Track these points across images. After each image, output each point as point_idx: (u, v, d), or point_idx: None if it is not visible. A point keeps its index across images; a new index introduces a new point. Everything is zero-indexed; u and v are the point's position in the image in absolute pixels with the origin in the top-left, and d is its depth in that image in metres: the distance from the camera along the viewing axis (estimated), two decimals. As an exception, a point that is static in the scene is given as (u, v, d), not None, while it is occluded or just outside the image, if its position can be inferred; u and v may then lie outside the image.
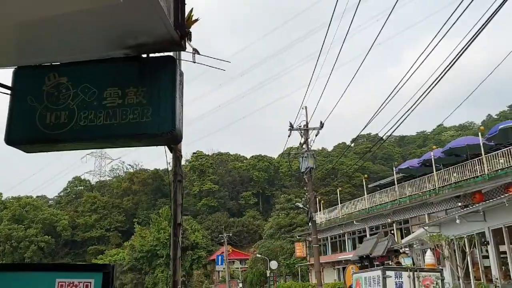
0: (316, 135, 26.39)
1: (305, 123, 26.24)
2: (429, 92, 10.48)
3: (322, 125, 25.92)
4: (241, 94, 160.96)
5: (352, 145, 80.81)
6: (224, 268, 65.07)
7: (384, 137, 20.43)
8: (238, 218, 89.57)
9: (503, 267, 14.20)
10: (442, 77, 9.76)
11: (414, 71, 10.76)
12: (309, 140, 26.62)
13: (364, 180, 38.36)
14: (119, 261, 62.96)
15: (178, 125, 3.25)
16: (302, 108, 26.61)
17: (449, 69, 9.52)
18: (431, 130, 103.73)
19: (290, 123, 26.46)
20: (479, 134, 25.20)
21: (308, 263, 43.99)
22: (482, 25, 7.92)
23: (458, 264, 15.54)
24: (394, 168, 33.29)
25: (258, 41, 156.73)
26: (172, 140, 3.45)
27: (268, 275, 49.84)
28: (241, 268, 73.63)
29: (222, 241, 66.56)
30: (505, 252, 13.95)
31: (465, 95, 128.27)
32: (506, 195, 12.25)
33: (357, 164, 76.43)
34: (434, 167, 27.33)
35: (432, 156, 27.63)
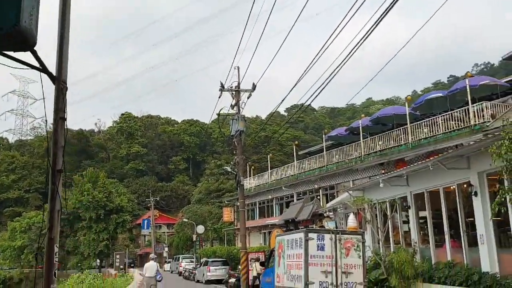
0: (248, 97, 25.62)
1: (236, 84, 25.35)
2: (340, 67, 10.20)
3: (254, 87, 25.11)
4: (176, 55, 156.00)
5: (286, 114, 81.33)
6: (150, 232, 63.94)
7: (305, 105, 20.03)
8: (167, 183, 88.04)
9: (421, 232, 14.47)
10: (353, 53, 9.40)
11: (331, 43, 10.14)
12: (240, 102, 25.82)
13: (294, 147, 38.45)
14: (38, 224, 59.64)
15: (27, 23, 2.74)
16: (234, 68, 25.63)
17: (357, 48, 9.20)
18: (360, 103, 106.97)
19: (221, 83, 25.38)
20: (406, 104, 25.70)
21: (235, 227, 44.00)
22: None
23: (379, 227, 15.68)
24: (323, 136, 33.51)
25: (197, 1, 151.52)
26: (18, 40, 2.92)
27: (194, 239, 49.43)
28: (168, 232, 72.86)
29: (149, 205, 65.24)
30: (424, 217, 14.17)
31: (394, 71, 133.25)
32: (430, 159, 12.24)
33: (289, 132, 77.14)
34: (361, 135, 27.69)
35: (360, 124, 27.94)
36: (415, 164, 13.35)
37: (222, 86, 25.56)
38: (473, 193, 11.35)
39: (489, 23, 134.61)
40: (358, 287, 13.01)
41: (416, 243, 14.23)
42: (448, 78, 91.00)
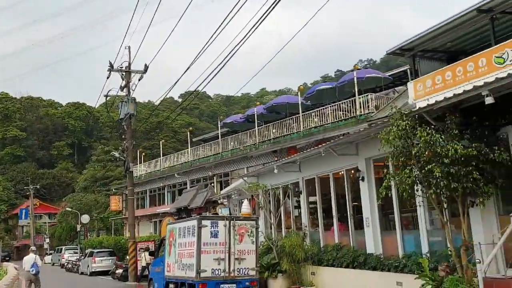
0: (139, 79, 24.37)
1: (127, 64, 23.95)
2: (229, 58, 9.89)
3: (146, 68, 23.97)
4: (62, 33, 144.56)
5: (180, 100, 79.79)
6: (28, 223, 58.98)
7: (198, 90, 19.66)
8: (48, 169, 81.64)
9: (311, 216, 14.87)
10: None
11: (221, 30, 9.87)
12: (131, 84, 24.47)
13: (188, 134, 37.69)
14: None
15: None
16: (125, 48, 24.18)
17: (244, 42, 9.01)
18: (255, 93, 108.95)
19: (110, 63, 23.83)
20: (298, 93, 26.40)
21: (123, 216, 42.14)
22: None
23: (272, 212, 15.82)
24: (219, 122, 33.24)
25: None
26: None
27: (78, 229, 46.48)
28: (49, 223, 67.82)
29: (28, 193, 60.13)
30: (315, 202, 14.56)
31: (287, 63, 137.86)
32: (322, 145, 12.52)
33: (183, 119, 75.80)
34: (256, 123, 27.92)
35: (255, 112, 28.15)
36: (308, 150, 13.60)
37: (111, 65, 24.01)
38: (360, 178, 11.82)
39: (374, 21, 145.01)
40: (251, 273, 12.99)
41: (306, 227, 14.59)
42: (335, 72, 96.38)
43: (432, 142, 8.01)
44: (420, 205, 9.88)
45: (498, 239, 8.14)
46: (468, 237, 8.12)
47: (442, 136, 7.99)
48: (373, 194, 11.57)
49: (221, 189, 29.18)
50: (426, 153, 8.06)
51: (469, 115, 8.55)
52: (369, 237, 11.53)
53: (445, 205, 8.52)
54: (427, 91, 14.97)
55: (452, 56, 16.58)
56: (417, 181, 8.42)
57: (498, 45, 12.85)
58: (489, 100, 7.29)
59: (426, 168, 7.99)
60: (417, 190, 9.32)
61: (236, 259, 12.96)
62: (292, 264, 13.39)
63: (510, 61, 11.99)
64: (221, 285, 12.51)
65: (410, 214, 10.84)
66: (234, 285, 12.67)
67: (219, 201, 23.51)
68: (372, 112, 21.91)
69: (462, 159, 7.78)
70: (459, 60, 14.39)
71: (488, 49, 13.19)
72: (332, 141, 12.32)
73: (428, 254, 9.59)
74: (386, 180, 9.04)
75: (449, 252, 9.02)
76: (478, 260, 7.63)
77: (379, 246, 11.35)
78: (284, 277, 13.59)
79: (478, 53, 13.40)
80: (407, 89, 19.50)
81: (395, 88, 25.12)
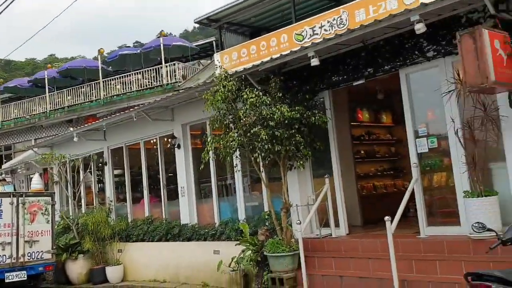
0: None
1: None
2: None
3: None
4: None
5: None
6: None
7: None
8: None
9: (118, 189, 13.58)
10: None
11: None
12: None
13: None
14: None
15: None
16: None
17: None
18: (42, 59, 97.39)
19: None
20: (99, 57, 24.14)
21: None
22: None
23: (71, 186, 13.93)
24: (-2, 86, 28.26)
25: None
26: None
27: None
28: None
29: None
30: (122, 174, 13.27)
31: (86, 31, 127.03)
32: (135, 108, 11.30)
33: None
34: (47, 88, 24.59)
35: (46, 76, 24.73)
36: (117, 114, 12.18)
37: None
38: (176, 146, 11.09)
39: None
40: (45, 256, 11.36)
41: (111, 201, 13.25)
42: (134, 43, 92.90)
43: (258, 105, 7.75)
44: (239, 171, 9.68)
45: (312, 201, 8.45)
46: (288, 200, 8.19)
47: (269, 99, 7.80)
48: (190, 161, 11.00)
49: (1, 163, 25.06)
50: (252, 115, 7.78)
51: (290, 78, 8.59)
52: (184, 207, 10.95)
53: (262, 169, 8.42)
54: (233, 63, 15.07)
55: (255, 31, 17.06)
56: (241, 145, 8.09)
57: (298, 22, 13.56)
58: (315, 62, 7.31)
59: (251, 131, 7.69)
60: (236, 157, 9.09)
61: (27, 242, 11.08)
62: (96, 243, 11.98)
63: (309, 38, 12.71)
64: (7, 274, 10.60)
65: (226, 181, 10.62)
66: (24, 271, 10.89)
67: (0, 177, 20.02)
68: (180, 82, 21.38)
69: (286, 122, 7.72)
70: (262, 35, 14.83)
71: (289, 26, 13.83)
72: (146, 103, 11.23)
73: (245, 220, 9.49)
74: (209, 144, 8.51)
75: (266, 217, 9.08)
76: (298, 222, 7.73)
77: (194, 216, 10.87)
78: (86, 257, 12.09)
79: (280, 29, 13.96)
80: (213, 60, 19.53)
81: (200, 61, 25.08)
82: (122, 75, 23.00)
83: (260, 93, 7.82)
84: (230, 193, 10.47)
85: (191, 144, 11.09)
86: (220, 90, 7.96)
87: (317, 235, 8.28)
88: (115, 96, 22.70)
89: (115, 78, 23.28)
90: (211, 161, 9.93)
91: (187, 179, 10.91)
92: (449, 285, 5.96)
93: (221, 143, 8.22)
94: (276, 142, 7.75)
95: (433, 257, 6.47)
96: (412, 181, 7.03)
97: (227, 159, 8.58)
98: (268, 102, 7.73)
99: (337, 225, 8.25)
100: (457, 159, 6.69)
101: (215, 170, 10.44)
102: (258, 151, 7.85)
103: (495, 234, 4.27)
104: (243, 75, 8.31)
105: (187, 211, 10.87)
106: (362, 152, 10.75)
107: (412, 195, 6.97)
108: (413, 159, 7.25)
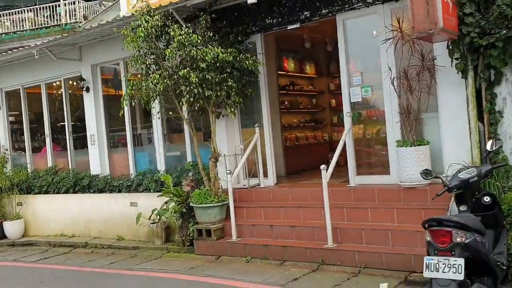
0: None
1: None
2: None
3: None
4: None
5: None
6: None
7: None
8: None
9: (15, 136, 12.06)
10: None
11: None
12: None
13: None
14: None
15: None
16: None
17: None
18: None
19: None
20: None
21: None
22: None
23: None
24: None
25: None
26: None
27: None
28: None
29: None
30: (20, 120, 11.71)
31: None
32: (37, 44, 9.83)
33: None
34: None
35: None
36: (14, 50, 10.57)
37: None
38: (84, 89, 9.97)
39: None
40: None
41: (7, 150, 11.76)
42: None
43: (186, 44, 7.05)
44: (158, 118, 8.97)
45: (240, 151, 8.11)
46: (217, 149, 7.75)
47: (199, 37, 7.11)
48: (100, 107, 9.98)
49: None
50: (179, 55, 7.09)
51: (220, 18, 7.95)
52: (94, 157, 10.00)
53: (189, 116, 7.85)
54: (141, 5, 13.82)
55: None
56: (165, 90, 7.39)
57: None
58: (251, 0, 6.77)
59: (179, 74, 7.01)
60: (158, 102, 8.39)
61: None
62: (-10, 196, 10.64)
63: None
64: None
65: (144, 129, 9.85)
66: None
67: None
68: (80, 22, 19.43)
69: (217, 65, 7.16)
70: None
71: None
72: (49, 39, 9.82)
73: (165, 172, 8.90)
74: (129, 88, 7.67)
75: (190, 167, 8.59)
76: (229, 171, 7.37)
77: (106, 167, 9.99)
78: (-25, 213, 10.71)
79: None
80: (117, 1, 17.88)
81: (102, 1, 23.01)
82: (11, 11, 20.38)
83: (190, 31, 7.11)
84: (147, 142, 9.74)
85: (102, 87, 10.04)
86: (142, 25, 7.10)
87: (245, 185, 8.02)
88: (3, 35, 20.11)
89: (3, 14, 20.58)
90: (125, 107, 9.06)
91: (98, 127, 9.93)
92: (383, 232, 6.04)
93: (143, 85, 7.43)
94: (206, 86, 7.18)
95: (365, 205, 6.53)
96: (345, 131, 6.97)
97: (150, 105, 7.83)
98: (198, 41, 7.05)
99: (265, 175, 8.04)
100: (390, 108, 6.70)
101: (130, 117, 9.59)
102: (187, 96, 7.21)
103: (430, 181, 4.39)
104: (170, 10, 7.48)
105: (97, 161, 9.95)
106: (286, 102, 10.55)
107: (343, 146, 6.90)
108: (346, 108, 7.16)
